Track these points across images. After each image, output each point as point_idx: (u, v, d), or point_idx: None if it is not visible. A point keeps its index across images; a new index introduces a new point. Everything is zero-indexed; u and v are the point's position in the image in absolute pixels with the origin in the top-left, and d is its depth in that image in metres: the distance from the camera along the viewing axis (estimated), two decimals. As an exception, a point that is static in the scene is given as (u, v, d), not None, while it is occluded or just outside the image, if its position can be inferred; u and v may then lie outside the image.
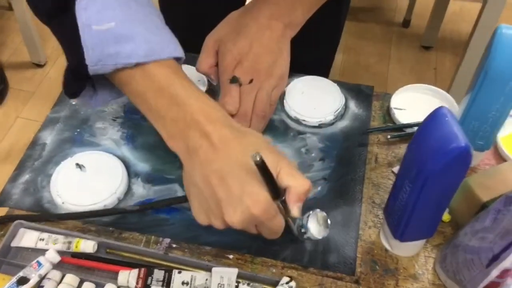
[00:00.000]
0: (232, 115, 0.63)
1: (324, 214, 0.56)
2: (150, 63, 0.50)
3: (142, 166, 0.69)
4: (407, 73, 2.10)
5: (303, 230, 0.56)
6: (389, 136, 0.71)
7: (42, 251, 0.59)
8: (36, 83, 1.97)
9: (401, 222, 0.57)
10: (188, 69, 0.79)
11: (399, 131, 0.73)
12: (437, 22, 2.06)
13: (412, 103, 0.77)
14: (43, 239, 0.59)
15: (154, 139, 0.72)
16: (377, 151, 0.72)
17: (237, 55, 0.63)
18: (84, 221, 0.63)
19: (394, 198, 0.57)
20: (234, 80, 0.63)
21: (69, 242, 0.59)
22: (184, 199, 0.59)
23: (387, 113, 0.76)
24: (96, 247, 0.59)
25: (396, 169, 0.70)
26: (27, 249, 0.60)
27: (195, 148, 0.49)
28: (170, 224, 0.64)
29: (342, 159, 0.71)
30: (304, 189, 0.50)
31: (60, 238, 0.60)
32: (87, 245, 0.59)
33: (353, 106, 0.77)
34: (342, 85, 0.79)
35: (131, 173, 0.68)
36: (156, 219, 0.64)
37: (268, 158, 0.47)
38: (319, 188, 0.68)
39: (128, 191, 0.66)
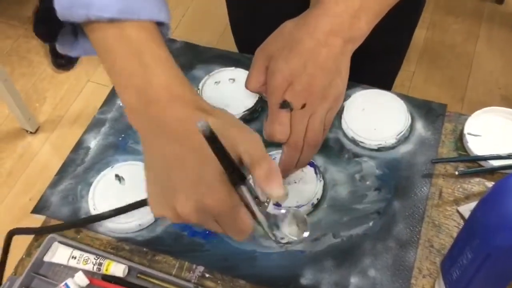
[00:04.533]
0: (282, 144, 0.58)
1: (302, 213, 0.48)
2: (127, 22, 0.46)
3: (183, 181, 0.66)
4: (496, 55, 1.92)
5: (276, 231, 0.46)
6: (457, 172, 0.63)
7: (75, 269, 0.58)
8: (108, 47, 1.99)
9: (459, 285, 0.50)
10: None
11: (471, 162, 0.65)
12: (537, 0, 1.85)
13: (491, 129, 0.67)
14: (75, 257, 0.58)
15: (198, 151, 0.68)
16: (442, 185, 0.64)
17: (289, 76, 0.56)
18: (119, 238, 0.61)
19: (453, 259, 0.50)
20: (285, 105, 0.56)
21: (100, 264, 0.57)
22: None
23: (459, 139, 0.67)
24: (126, 271, 0.57)
25: (462, 209, 0.61)
26: (59, 265, 0.59)
27: (155, 126, 0.45)
28: (205, 251, 0.60)
29: (401, 191, 0.63)
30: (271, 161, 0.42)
31: (92, 257, 0.58)
32: (118, 269, 0.57)
33: (420, 127, 0.69)
34: (410, 101, 0.71)
35: (171, 188, 0.65)
36: (192, 243, 0.61)
37: (230, 134, 0.42)
38: (371, 224, 0.61)
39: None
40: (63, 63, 1.89)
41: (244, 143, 0.44)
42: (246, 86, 0.60)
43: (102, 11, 0.44)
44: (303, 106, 0.56)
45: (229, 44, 0.96)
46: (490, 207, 0.42)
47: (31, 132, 1.75)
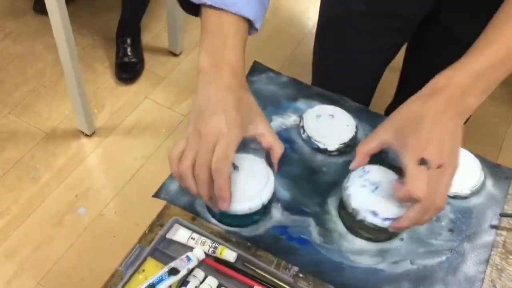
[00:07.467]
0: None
1: None
2: (226, 14, 0.66)
3: (283, 193, 0.76)
4: (526, 142, 2.04)
5: None
6: (522, 227, 0.73)
7: (190, 248, 0.67)
8: (168, 70, 2.12)
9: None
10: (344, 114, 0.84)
11: (532, 222, 0.75)
12: None
13: (551, 197, 0.77)
14: (193, 239, 0.68)
15: (298, 172, 0.78)
16: (506, 236, 0.74)
17: (420, 137, 0.63)
18: (227, 230, 0.71)
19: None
20: (423, 161, 0.60)
21: (215, 248, 0.67)
22: None
23: (523, 200, 0.78)
24: (236, 257, 0.67)
25: (522, 259, 0.71)
26: (177, 243, 0.68)
27: (211, 79, 0.66)
28: (300, 255, 0.70)
29: (471, 235, 0.73)
30: None
31: (208, 241, 0.67)
32: (230, 254, 0.66)
33: (489, 184, 0.79)
34: (483, 161, 0.81)
35: (273, 197, 0.75)
36: (288, 246, 0.70)
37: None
38: (443, 258, 0.71)
39: (268, 211, 0.73)
40: (127, 77, 2.02)
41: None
42: (359, 148, 0.70)
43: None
44: (439, 166, 0.61)
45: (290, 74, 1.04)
46: None
47: (86, 135, 1.86)
